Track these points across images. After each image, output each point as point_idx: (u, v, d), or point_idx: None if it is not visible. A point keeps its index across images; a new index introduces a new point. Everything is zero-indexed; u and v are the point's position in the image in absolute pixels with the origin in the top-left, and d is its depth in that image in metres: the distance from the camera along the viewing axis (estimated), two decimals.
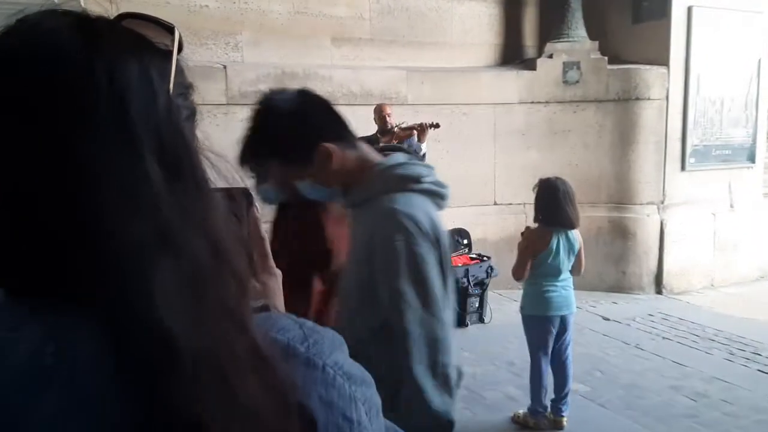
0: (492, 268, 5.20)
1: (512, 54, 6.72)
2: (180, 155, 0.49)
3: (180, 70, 0.53)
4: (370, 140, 5.15)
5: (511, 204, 6.23)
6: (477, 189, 6.23)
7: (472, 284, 5.09)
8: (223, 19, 5.49)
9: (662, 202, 6.15)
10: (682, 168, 6.17)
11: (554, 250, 3.20)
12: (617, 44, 6.35)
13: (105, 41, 0.47)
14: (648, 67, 6.06)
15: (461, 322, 5.06)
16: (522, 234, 3.39)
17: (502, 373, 4.14)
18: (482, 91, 6.18)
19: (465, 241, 5.45)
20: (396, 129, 5.08)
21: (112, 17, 0.53)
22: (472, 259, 5.32)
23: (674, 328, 5.08)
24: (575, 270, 3.34)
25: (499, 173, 6.29)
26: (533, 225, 3.38)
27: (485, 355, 4.45)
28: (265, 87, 5.32)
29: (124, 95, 0.46)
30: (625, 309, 5.62)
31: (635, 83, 6.05)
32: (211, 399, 0.44)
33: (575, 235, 3.27)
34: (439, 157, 5.73)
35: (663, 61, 6.05)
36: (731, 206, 6.43)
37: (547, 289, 3.23)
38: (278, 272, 1.32)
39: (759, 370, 4.17)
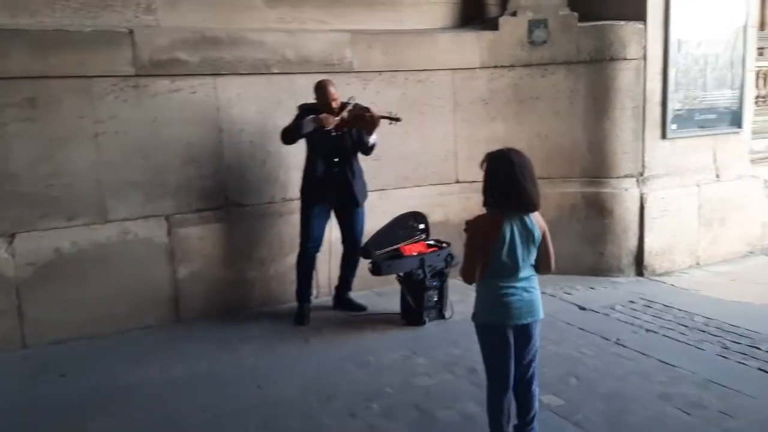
0: (452, 256, 4.54)
1: (473, 12, 5.98)
2: None
3: None
4: (314, 110, 4.42)
5: (474, 182, 5.46)
6: (436, 166, 5.56)
7: (429, 276, 4.44)
8: None
9: (641, 174, 5.52)
10: (663, 135, 5.55)
11: (507, 240, 2.52)
12: None
13: None
14: (623, 22, 5.38)
15: (418, 321, 4.42)
16: (466, 225, 2.64)
17: (461, 385, 3.51)
18: (439, 56, 5.48)
19: (421, 226, 4.75)
20: (344, 114, 4.34)
21: None
22: (429, 246, 4.65)
23: (659, 317, 4.49)
24: (543, 266, 2.62)
25: (460, 147, 5.61)
26: (481, 212, 2.67)
27: (443, 361, 3.82)
28: (182, 54, 4.61)
29: None
30: (604, 295, 5.03)
31: (609, 41, 5.38)
32: None
33: (534, 220, 2.58)
34: (392, 132, 5.04)
35: (639, 15, 5.37)
36: (717, 176, 5.84)
37: (505, 291, 2.55)
38: None
39: (759, 369, 3.57)
